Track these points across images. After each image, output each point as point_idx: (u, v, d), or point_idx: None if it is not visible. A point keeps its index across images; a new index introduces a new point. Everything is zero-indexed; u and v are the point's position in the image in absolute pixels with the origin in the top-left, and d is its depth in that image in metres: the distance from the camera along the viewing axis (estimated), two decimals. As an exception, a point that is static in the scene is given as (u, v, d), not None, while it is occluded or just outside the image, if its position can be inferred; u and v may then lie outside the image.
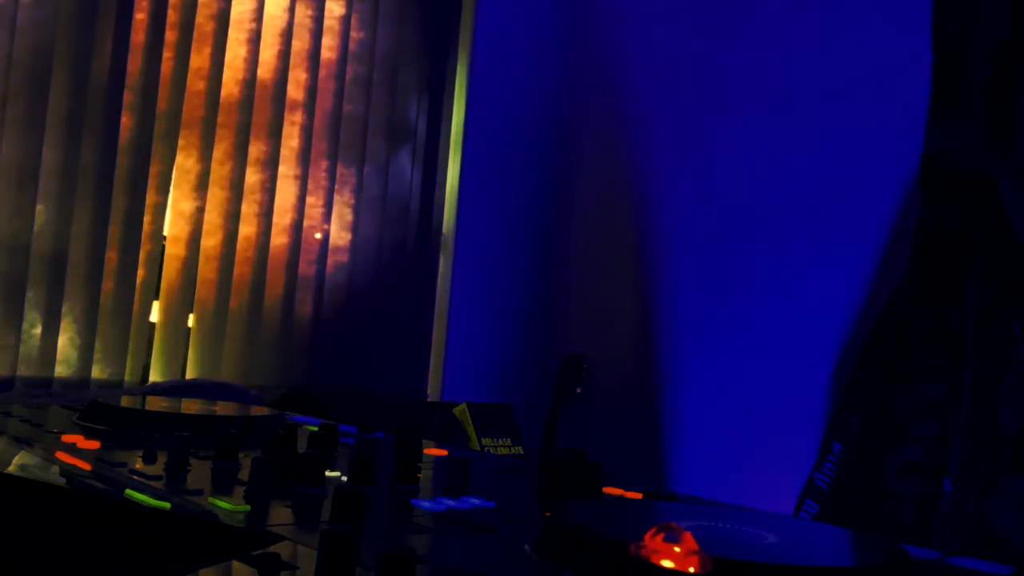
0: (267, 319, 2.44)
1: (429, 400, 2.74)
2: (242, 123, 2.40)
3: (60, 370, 2.14)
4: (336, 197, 2.58)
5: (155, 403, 0.86)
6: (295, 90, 2.50)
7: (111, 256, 2.21)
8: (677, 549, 0.38)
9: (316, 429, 0.74)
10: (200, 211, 2.34)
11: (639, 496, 0.63)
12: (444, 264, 2.82)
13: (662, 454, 2.45)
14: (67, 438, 0.68)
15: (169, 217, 2.31)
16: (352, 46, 2.61)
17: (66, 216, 2.14)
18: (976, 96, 0.92)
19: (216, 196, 2.37)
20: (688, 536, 0.39)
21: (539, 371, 2.64)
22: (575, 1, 2.93)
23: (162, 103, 2.28)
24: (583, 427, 2.60)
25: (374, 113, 2.64)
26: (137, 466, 0.59)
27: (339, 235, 2.59)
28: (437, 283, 2.80)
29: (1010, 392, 0.89)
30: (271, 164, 2.45)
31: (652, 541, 0.39)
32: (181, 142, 2.32)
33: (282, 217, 2.48)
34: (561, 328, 2.78)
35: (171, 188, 2.31)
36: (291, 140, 2.50)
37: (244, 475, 0.57)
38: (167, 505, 0.49)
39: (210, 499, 0.51)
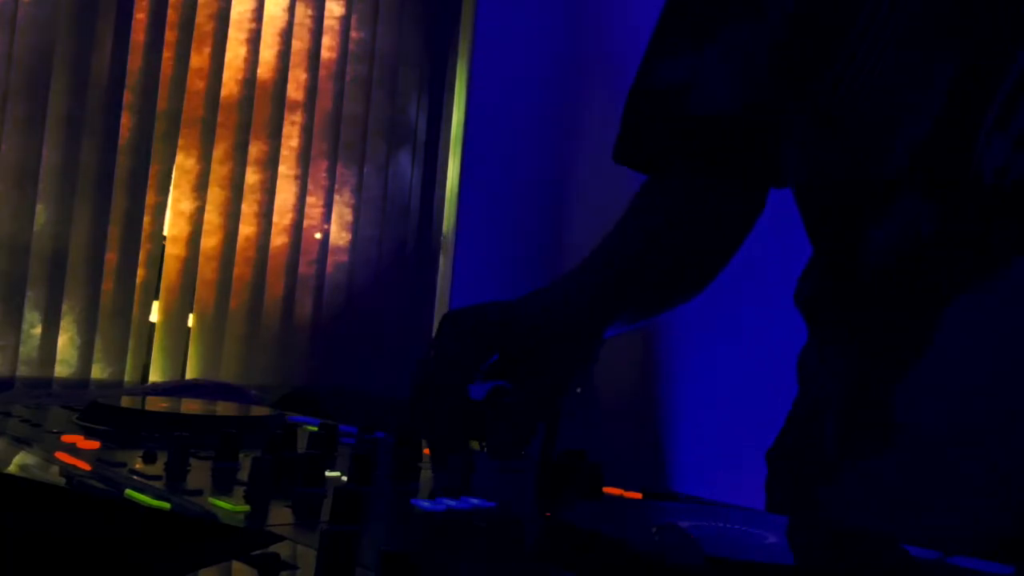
0: (267, 319, 2.44)
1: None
2: (242, 123, 2.40)
3: (60, 370, 2.14)
4: (336, 197, 2.58)
5: (155, 403, 0.86)
6: (295, 90, 2.50)
7: (111, 256, 2.21)
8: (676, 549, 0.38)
9: (316, 429, 0.74)
10: (200, 211, 2.34)
11: (639, 496, 0.63)
12: (444, 264, 2.82)
13: (662, 454, 2.45)
14: (67, 438, 0.68)
15: (169, 217, 2.31)
16: (352, 46, 2.61)
17: (66, 216, 2.14)
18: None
19: (216, 196, 2.37)
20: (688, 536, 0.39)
21: (539, 371, 2.63)
22: (575, 1, 2.93)
23: (162, 103, 2.28)
24: (583, 427, 2.60)
25: (374, 113, 2.64)
26: (137, 466, 0.59)
27: (339, 235, 2.59)
28: (437, 283, 2.80)
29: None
30: (271, 164, 2.45)
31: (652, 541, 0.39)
32: (181, 142, 2.32)
33: (282, 217, 2.48)
34: (561, 328, 2.77)
35: (171, 188, 2.31)
36: (291, 140, 2.50)
37: (244, 475, 0.57)
38: (167, 505, 0.49)
39: (210, 499, 0.51)
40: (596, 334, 0.74)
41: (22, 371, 2.10)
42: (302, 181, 2.51)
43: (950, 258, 0.63)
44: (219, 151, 2.37)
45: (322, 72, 2.55)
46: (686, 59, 0.81)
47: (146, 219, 2.26)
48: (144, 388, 2.19)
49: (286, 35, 2.48)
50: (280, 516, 0.49)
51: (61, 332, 2.14)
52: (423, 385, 0.65)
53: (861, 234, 0.68)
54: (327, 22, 2.56)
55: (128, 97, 2.23)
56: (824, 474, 0.71)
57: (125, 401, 0.84)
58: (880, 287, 0.68)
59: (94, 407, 0.78)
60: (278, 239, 2.47)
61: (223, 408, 0.90)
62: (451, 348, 0.65)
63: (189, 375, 2.33)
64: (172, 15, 2.29)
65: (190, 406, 0.90)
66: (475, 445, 0.68)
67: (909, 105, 0.65)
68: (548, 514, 0.46)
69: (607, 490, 0.63)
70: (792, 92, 0.74)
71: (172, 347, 2.31)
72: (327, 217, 2.56)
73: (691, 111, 0.80)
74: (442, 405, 0.64)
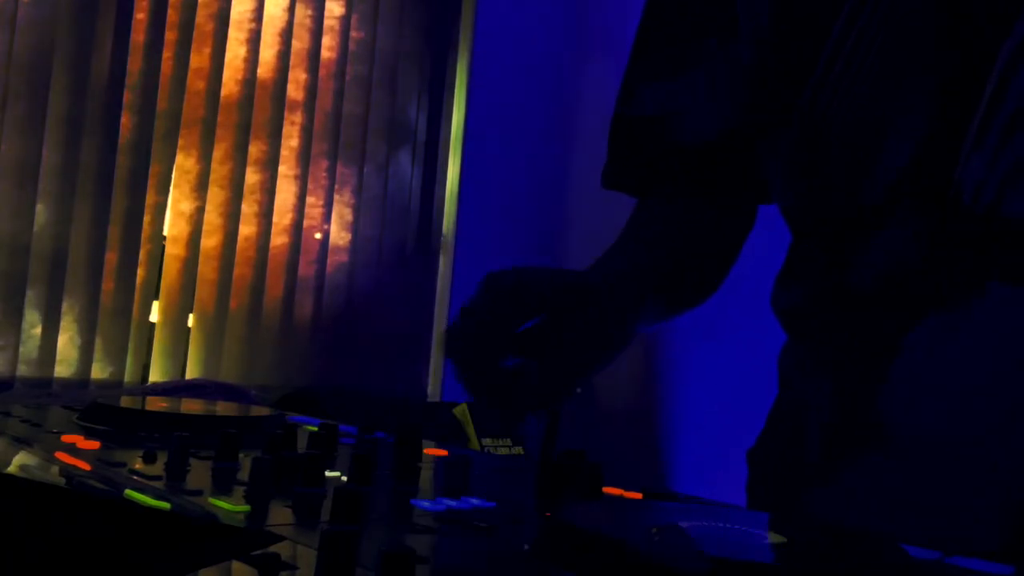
0: (267, 319, 2.44)
1: (429, 400, 2.74)
2: (242, 123, 2.40)
3: (60, 370, 2.14)
4: (336, 197, 2.58)
5: (155, 403, 0.86)
6: (295, 90, 2.50)
7: (111, 256, 2.21)
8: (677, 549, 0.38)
9: (316, 429, 0.74)
10: (200, 211, 2.34)
11: (639, 496, 0.63)
12: (444, 264, 2.82)
13: (662, 454, 2.45)
14: (67, 438, 0.67)
15: (169, 217, 2.32)
16: (352, 46, 2.61)
17: (66, 216, 2.14)
18: None
19: (216, 196, 2.37)
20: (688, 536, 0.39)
21: (539, 371, 2.63)
22: (575, 1, 2.93)
23: (162, 103, 2.28)
24: (583, 427, 2.60)
25: (374, 113, 2.64)
26: (137, 466, 0.59)
27: (339, 235, 2.59)
28: (437, 283, 2.80)
29: None
30: (271, 164, 2.45)
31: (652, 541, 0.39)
32: (181, 142, 2.32)
33: (282, 217, 2.48)
34: (561, 328, 2.77)
35: (171, 188, 2.31)
36: (291, 140, 2.50)
37: (244, 475, 0.57)
38: (167, 505, 0.49)
39: (210, 499, 0.51)
40: (632, 317, 0.73)
41: (22, 371, 2.10)
42: (302, 181, 2.51)
43: (933, 281, 0.63)
44: (219, 151, 2.37)
45: (322, 72, 2.55)
46: (666, 85, 0.81)
47: (146, 219, 2.26)
48: (144, 388, 2.19)
49: (286, 35, 2.48)
50: (280, 516, 0.49)
51: (61, 332, 2.14)
52: (468, 344, 0.65)
53: (848, 257, 0.68)
54: (327, 22, 2.56)
55: (128, 97, 2.23)
56: (809, 476, 0.71)
57: (125, 401, 0.84)
58: (868, 307, 0.67)
59: (94, 407, 0.78)
60: (278, 239, 2.47)
61: (223, 408, 0.90)
62: (495, 308, 0.66)
63: (189, 375, 2.33)
64: (172, 15, 2.29)
65: (190, 406, 0.90)
66: (475, 445, 0.68)
67: (890, 128, 0.65)
68: (548, 514, 0.46)
69: (607, 490, 0.63)
70: (771, 116, 0.74)
71: (172, 347, 2.31)
72: (327, 217, 2.56)
73: (677, 139, 0.81)
74: (493, 365, 0.65)
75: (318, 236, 2.55)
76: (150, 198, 2.27)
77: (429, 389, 2.77)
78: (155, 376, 2.30)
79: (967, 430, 0.62)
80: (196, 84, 2.34)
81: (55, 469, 0.58)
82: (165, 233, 2.31)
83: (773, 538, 0.46)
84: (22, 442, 0.66)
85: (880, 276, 0.66)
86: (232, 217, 2.38)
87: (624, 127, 0.85)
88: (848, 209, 0.68)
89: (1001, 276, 0.61)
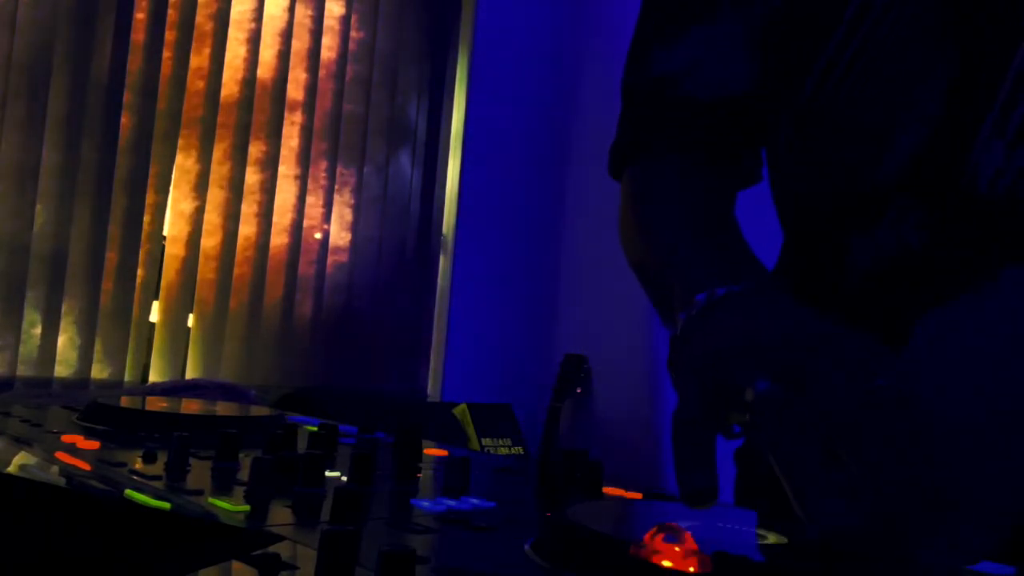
0: (267, 319, 2.45)
1: (429, 400, 2.74)
2: (242, 123, 2.40)
3: (60, 370, 2.14)
4: (336, 197, 2.58)
5: (155, 403, 0.86)
6: (295, 90, 2.50)
7: (111, 256, 2.21)
8: (677, 549, 0.38)
9: (316, 429, 0.74)
10: (200, 211, 2.34)
11: (639, 496, 0.63)
12: (444, 264, 2.82)
13: (662, 454, 2.45)
14: (67, 438, 0.68)
15: (169, 217, 2.32)
16: (352, 46, 2.61)
17: (66, 216, 2.14)
18: None
19: (216, 196, 2.37)
20: (688, 536, 0.39)
21: (539, 371, 2.64)
22: (575, 1, 2.93)
23: (162, 103, 2.28)
24: (583, 427, 2.60)
25: (374, 113, 2.64)
26: (137, 466, 0.59)
27: (339, 235, 2.59)
28: (437, 283, 2.80)
29: None
30: (271, 164, 2.45)
31: (652, 541, 0.39)
32: (181, 142, 2.32)
33: (282, 217, 2.48)
34: (561, 328, 2.78)
35: (171, 188, 2.31)
36: (291, 140, 2.50)
37: (244, 475, 0.57)
38: (167, 505, 0.49)
39: (210, 499, 0.51)
40: None
41: (22, 371, 2.10)
42: (302, 181, 2.51)
43: (940, 267, 0.62)
44: (219, 151, 2.37)
45: (322, 72, 2.55)
46: (681, 43, 0.77)
47: (146, 219, 2.26)
48: (144, 388, 2.19)
49: (286, 35, 2.48)
50: (280, 516, 0.49)
51: (61, 332, 2.14)
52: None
53: (847, 241, 0.67)
54: (327, 22, 2.56)
55: (128, 97, 2.23)
56: None
57: (125, 401, 0.84)
58: (865, 295, 0.66)
59: (94, 407, 0.78)
60: (278, 239, 2.47)
61: (223, 408, 0.90)
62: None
63: (189, 375, 2.33)
64: (172, 15, 2.29)
65: (190, 406, 0.90)
66: (475, 445, 0.67)
67: (904, 110, 0.64)
68: (548, 514, 0.46)
69: (607, 490, 0.63)
70: (777, 88, 0.72)
71: (172, 347, 2.31)
72: (327, 217, 2.56)
73: (693, 93, 0.75)
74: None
75: (318, 236, 2.55)
76: (150, 198, 2.27)
77: (429, 389, 2.77)
78: (155, 376, 2.30)
79: (975, 424, 0.62)
80: (196, 84, 2.34)
81: (55, 469, 0.58)
82: (165, 233, 2.32)
83: (772, 538, 0.46)
84: (22, 442, 0.66)
85: (880, 261, 0.65)
86: (232, 217, 2.38)
87: (637, 93, 0.79)
88: (852, 190, 0.67)
89: (1017, 261, 0.60)
